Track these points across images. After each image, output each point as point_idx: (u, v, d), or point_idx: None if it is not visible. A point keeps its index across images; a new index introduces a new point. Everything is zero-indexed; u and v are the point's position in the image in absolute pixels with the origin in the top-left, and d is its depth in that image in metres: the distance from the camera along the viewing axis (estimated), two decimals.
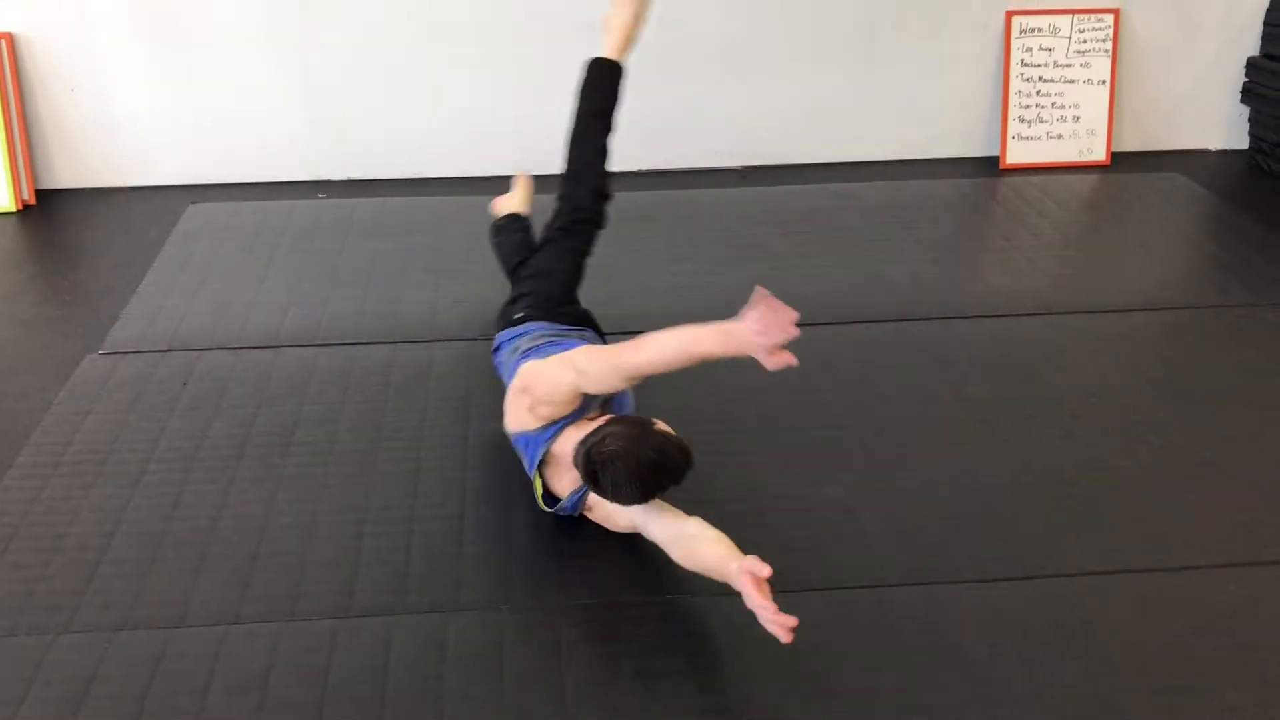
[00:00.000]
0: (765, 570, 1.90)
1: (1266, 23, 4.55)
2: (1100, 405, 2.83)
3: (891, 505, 2.47)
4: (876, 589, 2.22)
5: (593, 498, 2.29)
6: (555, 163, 4.61)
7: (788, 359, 1.94)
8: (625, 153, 4.57)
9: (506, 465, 2.59)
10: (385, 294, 3.44)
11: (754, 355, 1.97)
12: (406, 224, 3.94)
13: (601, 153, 2.94)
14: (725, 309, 3.23)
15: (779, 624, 1.86)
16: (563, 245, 2.87)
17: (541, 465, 2.35)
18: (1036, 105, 4.58)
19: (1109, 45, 4.54)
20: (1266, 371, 3.00)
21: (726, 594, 2.02)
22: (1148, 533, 2.37)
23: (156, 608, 2.18)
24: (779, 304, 1.92)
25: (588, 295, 3.25)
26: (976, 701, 1.96)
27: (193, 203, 4.16)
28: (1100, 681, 2.00)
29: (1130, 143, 4.72)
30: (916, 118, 4.67)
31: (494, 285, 3.46)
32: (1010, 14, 4.51)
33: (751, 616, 1.91)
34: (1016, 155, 4.60)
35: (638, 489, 2.07)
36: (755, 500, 2.48)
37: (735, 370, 2.93)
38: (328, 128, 4.51)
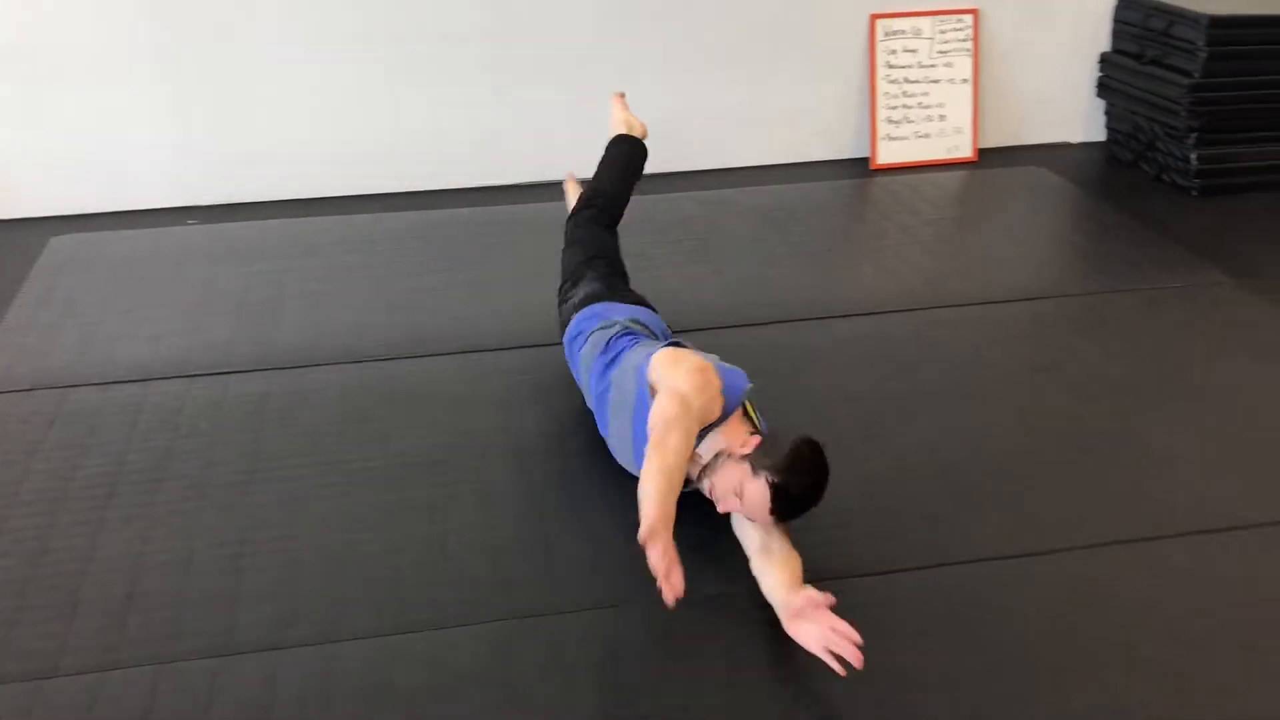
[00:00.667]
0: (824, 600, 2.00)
1: (1116, 19, 4.73)
2: (977, 395, 2.91)
3: None
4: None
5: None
6: (435, 179, 4.63)
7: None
8: (507, 166, 4.60)
9: (391, 488, 2.55)
10: (260, 320, 3.36)
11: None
12: (280, 248, 3.86)
13: (626, 194, 3.29)
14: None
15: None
16: (591, 253, 3.00)
17: None
18: (904, 106, 4.69)
19: (970, 45, 4.68)
20: (1130, 355, 3.11)
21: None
22: (1026, 517, 2.44)
23: (24, 660, 2.09)
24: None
25: (466, 309, 3.24)
26: (873, 692, 1.99)
27: (55, 235, 4.01)
28: (992, 667, 2.05)
29: (995, 139, 4.86)
30: (788, 122, 4.74)
31: (372, 306, 3.42)
32: (874, 17, 4.61)
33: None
34: (887, 155, 4.70)
35: (805, 507, 2.17)
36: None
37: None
38: (196, 153, 4.39)
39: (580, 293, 2.84)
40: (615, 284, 2.88)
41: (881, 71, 4.66)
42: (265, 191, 4.48)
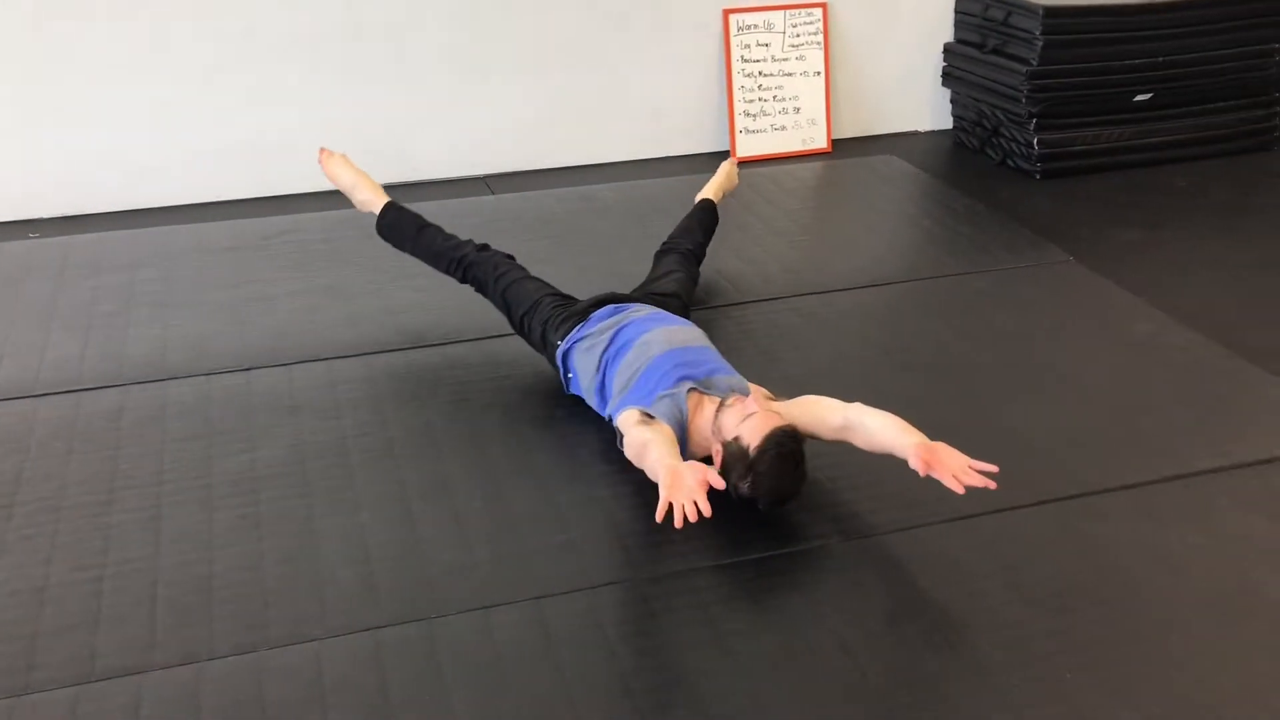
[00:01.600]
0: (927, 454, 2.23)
1: (957, 10, 4.91)
2: (835, 378, 2.97)
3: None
4: (633, 582, 2.26)
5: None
6: (282, 183, 4.52)
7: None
8: (362, 166, 4.52)
9: (254, 501, 2.49)
10: (110, 334, 3.24)
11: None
12: (129, 259, 3.73)
13: (441, 246, 3.17)
14: (469, 318, 3.26)
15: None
16: (513, 283, 3.03)
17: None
18: (760, 99, 4.78)
19: (820, 37, 4.78)
20: (980, 334, 3.23)
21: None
22: (889, 495, 2.51)
23: None
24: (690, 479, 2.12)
25: (319, 316, 3.19)
26: (735, 676, 2.02)
27: None
28: (851, 644, 2.10)
29: (848, 129, 4.99)
30: (648, 117, 4.79)
31: (224, 316, 3.33)
32: (727, 12, 4.69)
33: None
34: (746, 148, 4.78)
35: (783, 498, 2.38)
36: (510, 502, 2.48)
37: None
38: (34, 163, 4.22)
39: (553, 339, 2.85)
40: (561, 321, 2.85)
41: (736, 65, 4.73)
42: (111, 202, 4.33)
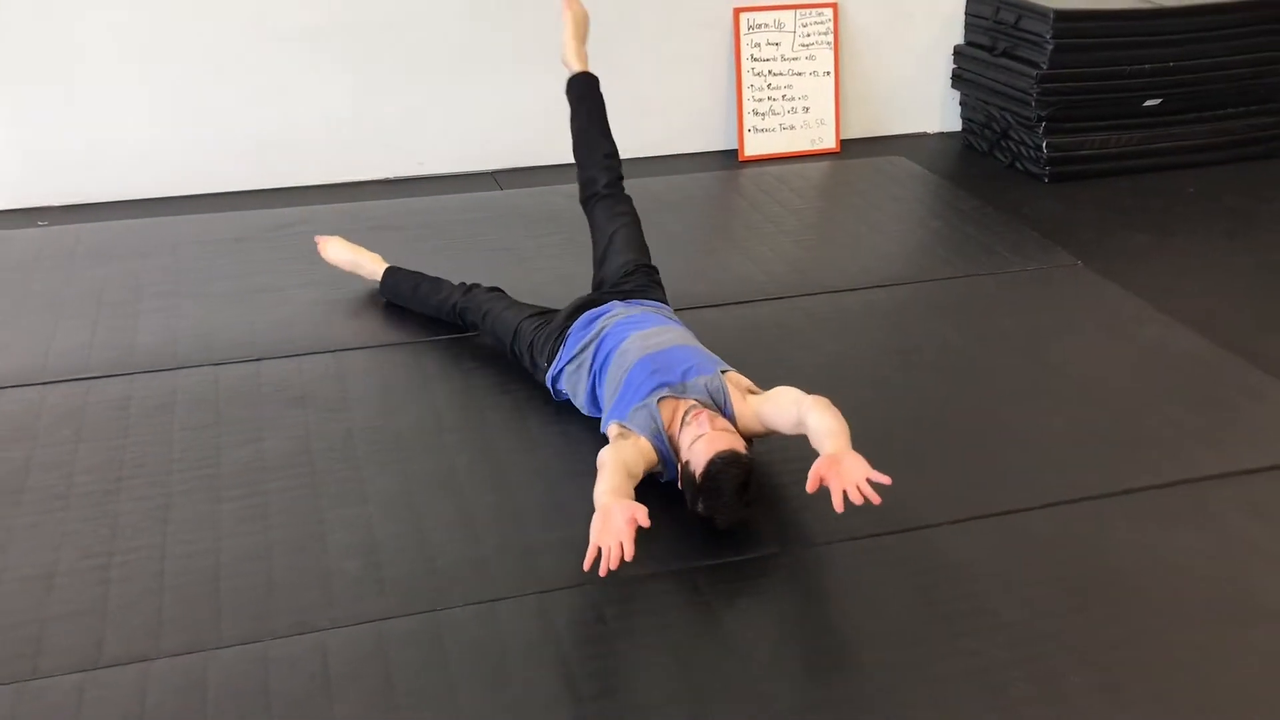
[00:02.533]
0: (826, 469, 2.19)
1: (968, 13, 4.90)
2: (842, 378, 2.98)
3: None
4: (637, 577, 2.27)
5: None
6: (292, 175, 4.55)
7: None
8: (369, 161, 4.54)
9: (261, 491, 2.50)
10: (118, 323, 3.25)
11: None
12: (137, 248, 3.74)
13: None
14: None
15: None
16: (490, 313, 3.04)
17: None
18: (769, 98, 4.78)
19: (830, 37, 4.78)
20: (985, 336, 3.23)
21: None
22: (888, 496, 2.51)
23: None
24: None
25: (327, 307, 3.21)
26: (737, 679, 2.03)
27: None
28: (849, 645, 2.11)
29: (857, 129, 4.99)
30: (657, 115, 4.79)
31: (232, 306, 3.34)
32: (738, 10, 4.69)
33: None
34: (754, 147, 4.79)
35: (734, 512, 2.33)
36: (516, 495, 2.49)
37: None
38: (44, 151, 4.23)
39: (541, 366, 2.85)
40: (544, 343, 2.85)
41: (746, 64, 4.74)
42: (120, 191, 4.34)
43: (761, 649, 2.09)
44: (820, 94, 4.81)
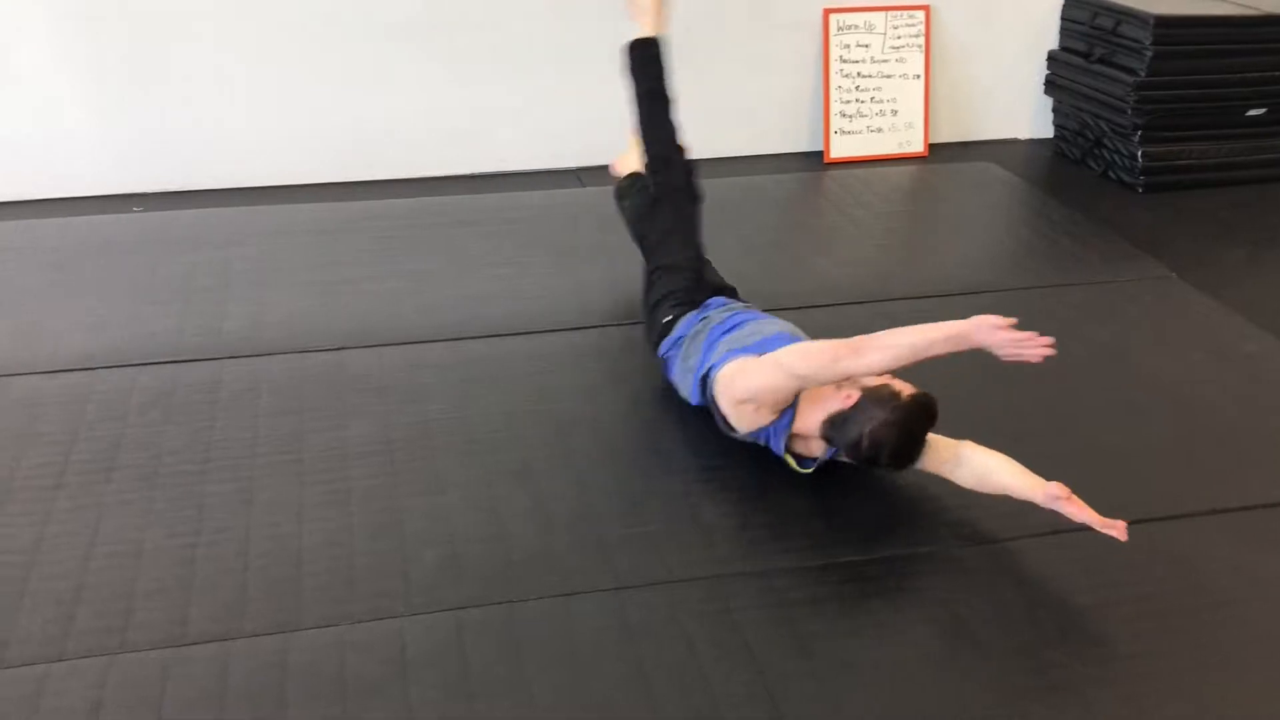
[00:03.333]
0: (1063, 492, 2.19)
1: (1064, 17, 4.80)
2: (925, 387, 2.93)
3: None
4: (715, 579, 2.25)
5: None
6: (378, 168, 4.61)
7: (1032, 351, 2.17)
8: (451, 156, 4.57)
9: (343, 478, 2.53)
10: (207, 309, 3.31)
11: (991, 349, 2.21)
12: (226, 236, 3.81)
13: (673, 130, 3.06)
14: (550, 307, 3.28)
15: (1110, 528, 2.14)
16: (673, 233, 2.93)
17: (788, 440, 2.46)
18: (856, 100, 4.73)
19: (921, 40, 4.72)
20: (1075, 348, 3.15)
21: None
22: (974, 506, 2.47)
23: None
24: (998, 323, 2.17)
25: (412, 300, 3.22)
26: (814, 681, 2.00)
27: None
28: (930, 651, 2.07)
29: (945, 134, 4.92)
30: (742, 116, 4.76)
31: (319, 295, 3.39)
32: (827, 11, 4.64)
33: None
34: (840, 149, 4.74)
35: (908, 461, 2.32)
36: (591, 490, 2.48)
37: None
38: (142, 139, 4.33)
39: (662, 316, 2.82)
40: (694, 297, 2.82)
41: (835, 66, 4.69)
42: (214, 179, 4.43)
43: (833, 651, 2.07)
44: (909, 97, 4.75)
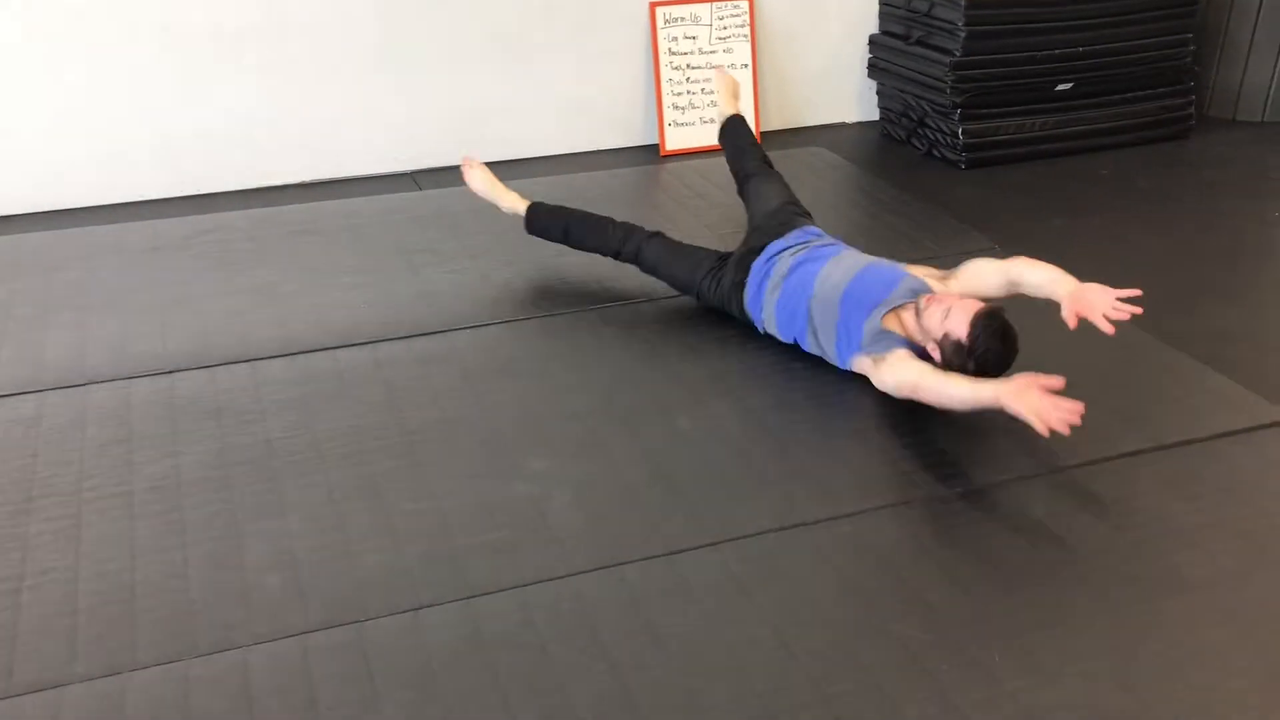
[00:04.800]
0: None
1: (882, 2, 4.94)
2: (762, 375, 2.99)
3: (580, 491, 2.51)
4: (570, 578, 2.25)
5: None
6: (203, 182, 4.43)
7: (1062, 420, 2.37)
8: (286, 164, 4.46)
9: (178, 506, 2.45)
10: (26, 339, 3.16)
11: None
12: (46, 261, 3.64)
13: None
14: (398, 316, 3.23)
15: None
16: (673, 264, 3.29)
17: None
18: (688, 92, 4.77)
19: (747, 30, 4.79)
20: None
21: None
22: (816, 487, 2.53)
23: None
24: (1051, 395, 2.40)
25: (245, 317, 3.13)
26: (674, 674, 2.02)
27: None
28: (785, 633, 2.11)
29: (776, 121, 5.01)
30: (578, 112, 4.77)
31: (147, 317, 3.26)
32: (653, 5, 4.68)
33: None
34: (675, 141, 4.78)
35: (1009, 363, 2.64)
36: (441, 500, 2.46)
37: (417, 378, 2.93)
38: None
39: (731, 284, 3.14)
40: (731, 288, 3.14)
41: (664, 59, 4.73)
42: (27, 203, 4.22)
43: (685, 640, 2.09)
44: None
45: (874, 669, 2.03)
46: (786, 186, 3.40)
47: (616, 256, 3.35)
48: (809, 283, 2.93)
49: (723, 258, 3.21)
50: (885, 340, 2.74)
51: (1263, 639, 2.10)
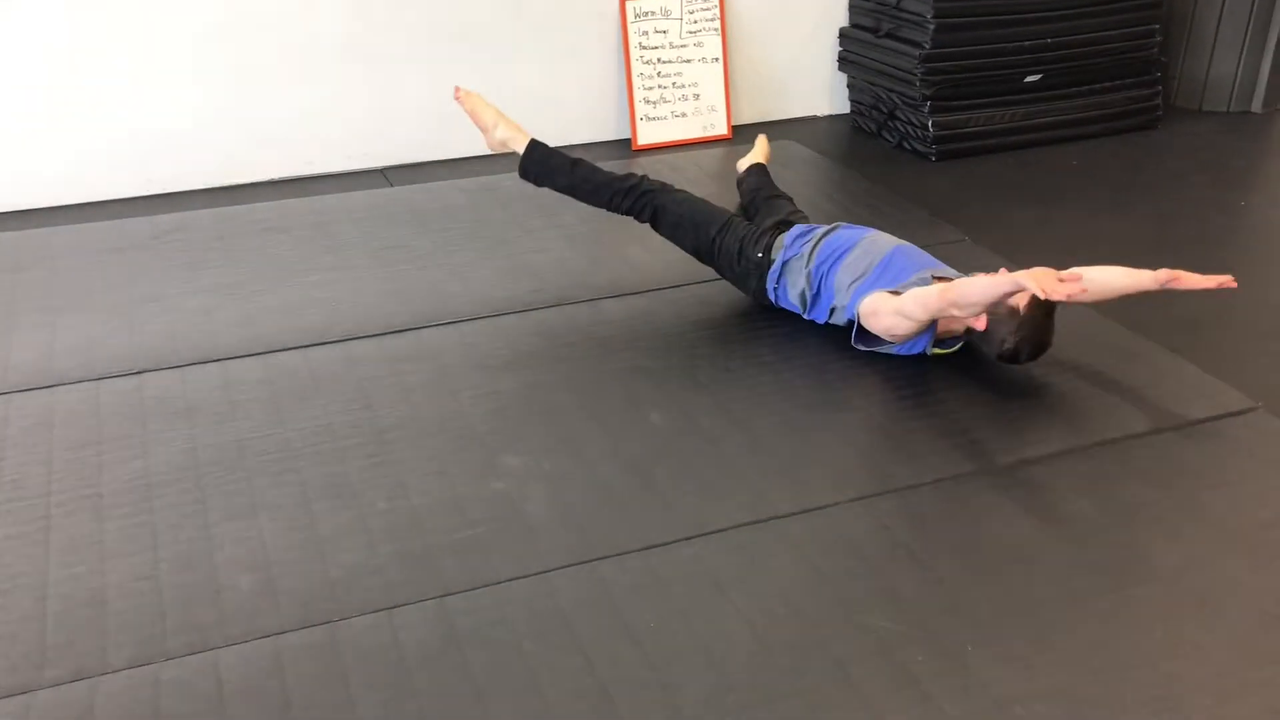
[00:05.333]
0: (1171, 274, 2.79)
1: None
2: (734, 370, 2.99)
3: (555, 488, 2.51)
4: (545, 574, 2.25)
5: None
6: (171, 180, 4.38)
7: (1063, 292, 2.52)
8: (253, 162, 4.43)
9: (148, 508, 2.43)
10: None
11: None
12: (11, 261, 3.60)
13: (602, 178, 3.33)
14: (369, 314, 3.22)
15: (1221, 283, 2.76)
16: (686, 217, 3.26)
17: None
18: (659, 86, 4.77)
19: (717, 24, 4.79)
20: None
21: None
22: (788, 480, 2.53)
23: None
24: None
25: (210, 318, 3.11)
26: (650, 669, 2.02)
27: None
28: (759, 626, 2.12)
29: (747, 115, 5.01)
30: (549, 106, 4.74)
31: (115, 317, 3.23)
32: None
33: None
34: (647, 135, 4.78)
35: (1044, 350, 2.82)
36: (414, 498, 2.45)
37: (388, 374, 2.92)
38: None
39: (755, 253, 3.15)
40: (759, 237, 3.17)
41: (635, 53, 4.72)
42: None
43: (662, 637, 2.09)
44: (710, 81, 4.82)
45: (847, 661, 2.04)
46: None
47: (629, 194, 3.24)
48: (860, 234, 3.04)
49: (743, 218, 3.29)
50: (912, 288, 2.83)
51: (1232, 625, 2.12)
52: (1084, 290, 2.58)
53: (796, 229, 3.14)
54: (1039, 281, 2.51)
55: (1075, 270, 2.70)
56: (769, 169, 3.81)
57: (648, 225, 3.31)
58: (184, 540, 2.34)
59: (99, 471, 2.56)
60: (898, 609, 2.15)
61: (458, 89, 3.44)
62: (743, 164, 3.89)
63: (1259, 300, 3.44)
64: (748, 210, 3.61)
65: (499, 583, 2.23)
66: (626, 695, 1.97)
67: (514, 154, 3.39)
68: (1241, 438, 2.68)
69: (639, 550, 2.31)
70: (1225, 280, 2.75)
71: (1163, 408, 2.79)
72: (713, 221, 3.20)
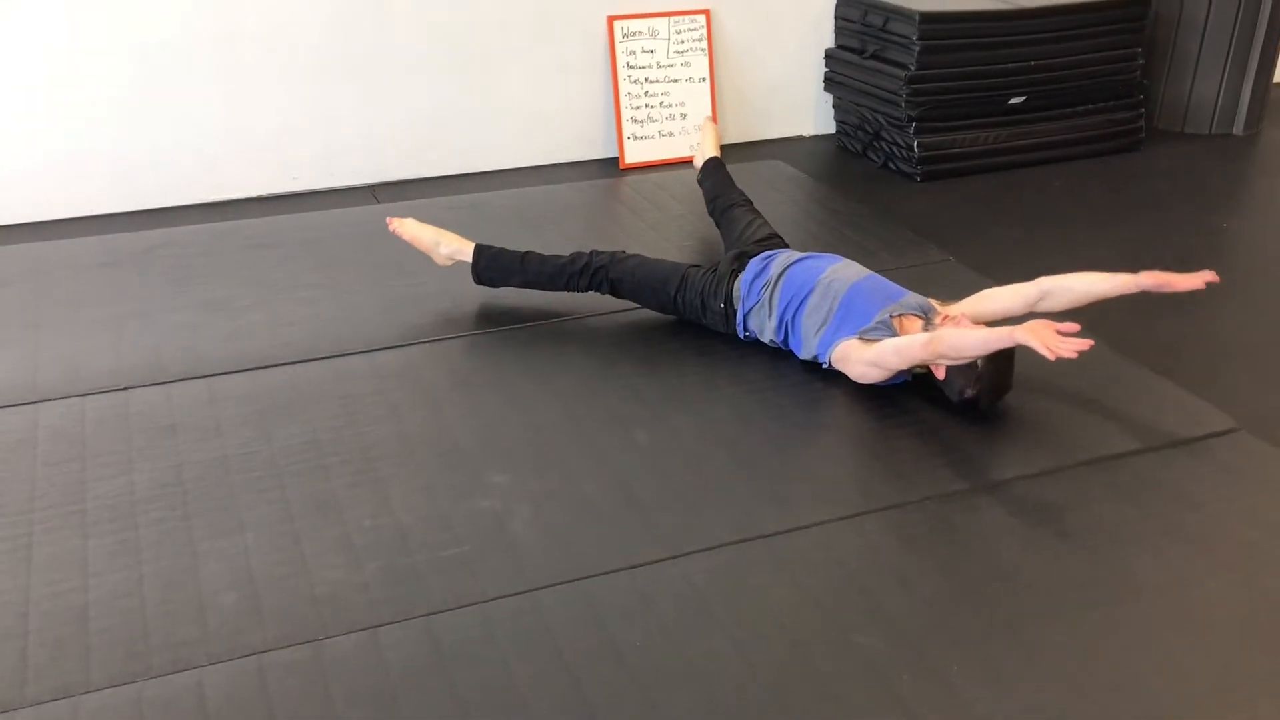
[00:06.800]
0: (1155, 277, 2.76)
1: (837, 16, 4.98)
2: (719, 389, 3.00)
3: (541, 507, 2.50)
4: (530, 593, 2.24)
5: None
6: (158, 196, 4.38)
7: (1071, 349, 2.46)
8: (241, 178, 4.43)
9: (133, 525, 2.41)
10: None
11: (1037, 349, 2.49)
12: None
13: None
14: (357, 330, 3.22)
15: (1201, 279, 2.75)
16: (645, 280, 3.25)
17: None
18: (646, 105, 4.79)
19: (704, 44, 4.82)
20: None
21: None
22: (774, 499, 2.54)
23: None
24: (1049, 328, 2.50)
25: (195, 333, 3.11)
26: (635, 688, 2.02)
27: None
28: (745, 645, 2.12)
29: (734, 134, 5.04)
30: (536, 125, 4.77)
31: (101, 333, 3.22)
32: (611, 19, 4.69)
33: None
34: (634, 155, 4.79)
35: (1001, 397, 2.81)
36: (400, 515, 2.44)
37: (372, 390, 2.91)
38: None
39: (716, 306, 3.16)
40: (715, 287, 3.17)
41: (623, 72, 4.74)
42: None
43: (647, 656, 2.09)
44: (697, 100, 4.85)
45: (833, 679, 2.04)
46: (769, 224, 3.45)
47: (582, 272, 3.25)
48: (817, 272, 3.00)
49: (698, 267, 3.25)
50: (883, 330, 2.83)
51: (1216, 643, 2.13)
52: (1090, 344, 2.50)
53: (751, 268, 3.11)
54: (1041, 340, 2.46)
55: (1056, 288, 2.78)
56: (723, 160, 3.89)
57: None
58: (168, 557, 2.33)
59: (83, 488, 2.55)
60: (884, 628, 2.16)
61: (390, 220, 3.50)
62: (698, 159, 3.94)
63: (1241, 322, 3.47)
64: (712, 214, 3.66)
65: (485, 601, 2.22)
66: (612, 714, 1.97)
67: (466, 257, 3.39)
68: (1224, 458, 2.70)
69: (625, 569, 2.31)
70: (1208, 276, 2.75)
71: (1147, 428, 2.81)
72: (669, 281, 3.19)
